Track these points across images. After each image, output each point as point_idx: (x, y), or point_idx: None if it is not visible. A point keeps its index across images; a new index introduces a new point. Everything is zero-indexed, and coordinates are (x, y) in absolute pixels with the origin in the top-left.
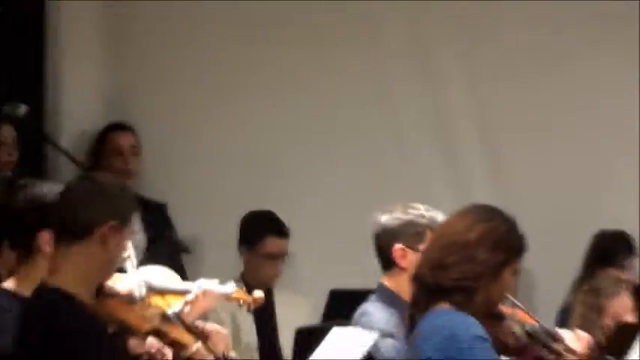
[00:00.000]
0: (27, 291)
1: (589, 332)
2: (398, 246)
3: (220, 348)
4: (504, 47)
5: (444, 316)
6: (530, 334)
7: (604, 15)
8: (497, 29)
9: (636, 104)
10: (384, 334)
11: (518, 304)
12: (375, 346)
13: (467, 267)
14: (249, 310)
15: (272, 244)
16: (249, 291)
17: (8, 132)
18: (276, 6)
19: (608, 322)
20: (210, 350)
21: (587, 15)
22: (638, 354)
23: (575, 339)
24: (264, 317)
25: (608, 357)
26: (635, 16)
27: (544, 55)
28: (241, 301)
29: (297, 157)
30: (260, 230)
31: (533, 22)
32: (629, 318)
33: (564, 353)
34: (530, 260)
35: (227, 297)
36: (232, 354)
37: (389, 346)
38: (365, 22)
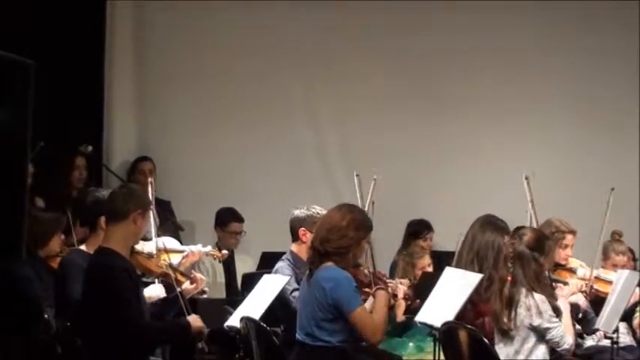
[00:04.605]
0: (92, 251)
1: (407, 277)
2: (302, 229)
3: (200, 286)
4: None
5: (330, 270)
6: (373, 275)
7: None
8: None
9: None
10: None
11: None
12: (285, 285)
13: (342, 241)
14: (220, 261)
15: (234, 226)
16: (220, 251)
17: (81, 161)
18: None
19: (417, 272)
20: (195, 287)
21: None
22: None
23: (400, 282)
24: (229, 267)
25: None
26: None
27: None
28: (215, 257)
29: (250, 175)
30: (227, 218)
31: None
32: (429, 269)
33: (388, 285)
34: (376, 236)
35: (207, 254)
36: (206, 289)
37: (293, 284)
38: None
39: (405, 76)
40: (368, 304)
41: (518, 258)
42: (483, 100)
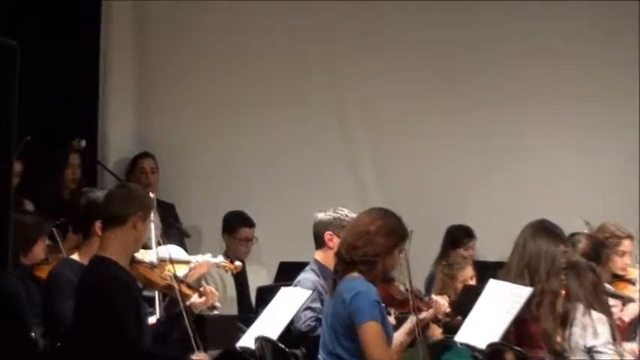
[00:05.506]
0: (85, 261)
1: (446, 293)
2: (328, 233)
3: (210, 300)
4: None
5: (354, 281)
6: (411, 294)
7: None
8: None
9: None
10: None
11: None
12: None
13: (369, 248)
14: (232, 274)
15: (244, 232)
16: (232, 262)
17: (74, 158)
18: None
19: (458, 285)
20: (204, 301)
21: None
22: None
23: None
24: (241, 279)
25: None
26: None
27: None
28: (226, 268)
29: (264, 174)
30: (236, 223)
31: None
32: (472, 282)
33: (425, 306)
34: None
35: (217, 265)
36: (218, 304)
37: (317, 299)
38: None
39: (440, 76)
40: (409, 324)
41: (572, 269)
42: (529, 100)
